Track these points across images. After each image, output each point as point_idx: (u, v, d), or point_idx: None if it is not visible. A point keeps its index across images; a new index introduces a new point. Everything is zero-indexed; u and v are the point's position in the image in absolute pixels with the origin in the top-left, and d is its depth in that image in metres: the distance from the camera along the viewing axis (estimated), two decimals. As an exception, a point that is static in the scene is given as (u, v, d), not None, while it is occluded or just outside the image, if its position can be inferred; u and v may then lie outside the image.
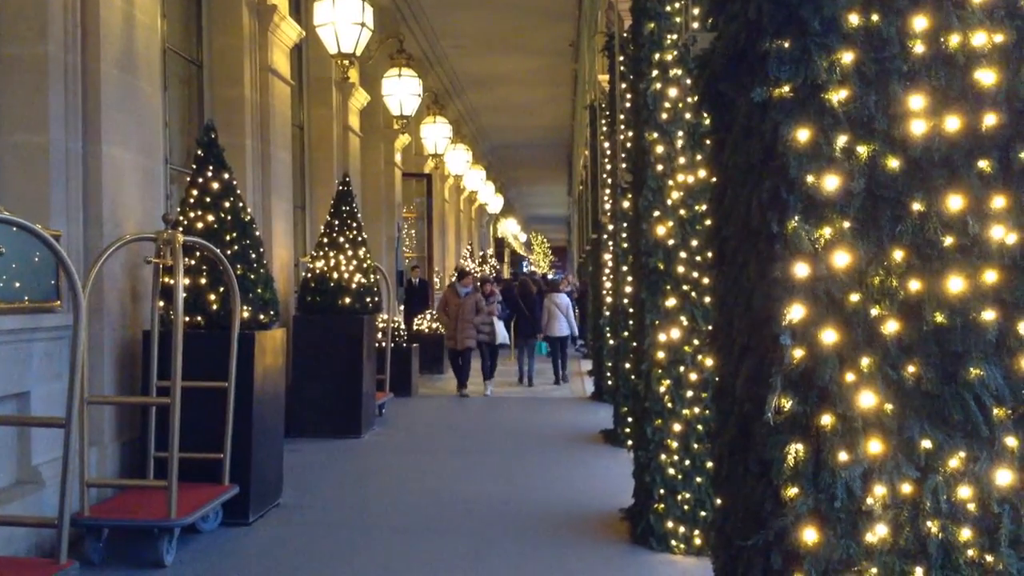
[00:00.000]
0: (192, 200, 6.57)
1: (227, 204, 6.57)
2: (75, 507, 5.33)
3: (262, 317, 6.67)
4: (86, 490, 5.53)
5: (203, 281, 6.40)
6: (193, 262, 6.37)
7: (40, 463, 5.60)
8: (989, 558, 2.33)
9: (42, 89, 5.89)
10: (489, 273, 25.18)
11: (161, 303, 6.26)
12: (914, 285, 2.34)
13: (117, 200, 6.45)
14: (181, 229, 6.23)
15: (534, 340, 15.14)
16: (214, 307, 6.39)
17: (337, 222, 10.35)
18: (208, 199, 6.55)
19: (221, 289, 6.36)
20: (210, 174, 6.60)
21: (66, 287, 5.51)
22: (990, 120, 2.36)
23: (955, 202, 2.34)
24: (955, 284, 2.33)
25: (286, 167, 10.21)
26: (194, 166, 6.76)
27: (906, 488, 2.33)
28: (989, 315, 2.33)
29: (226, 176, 6.66)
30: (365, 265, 10.29)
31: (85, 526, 5.46)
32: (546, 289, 16.41)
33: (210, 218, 6.50)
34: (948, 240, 2.34)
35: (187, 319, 6.09)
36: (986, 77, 2.36)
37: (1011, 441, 2.33)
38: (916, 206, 2.35)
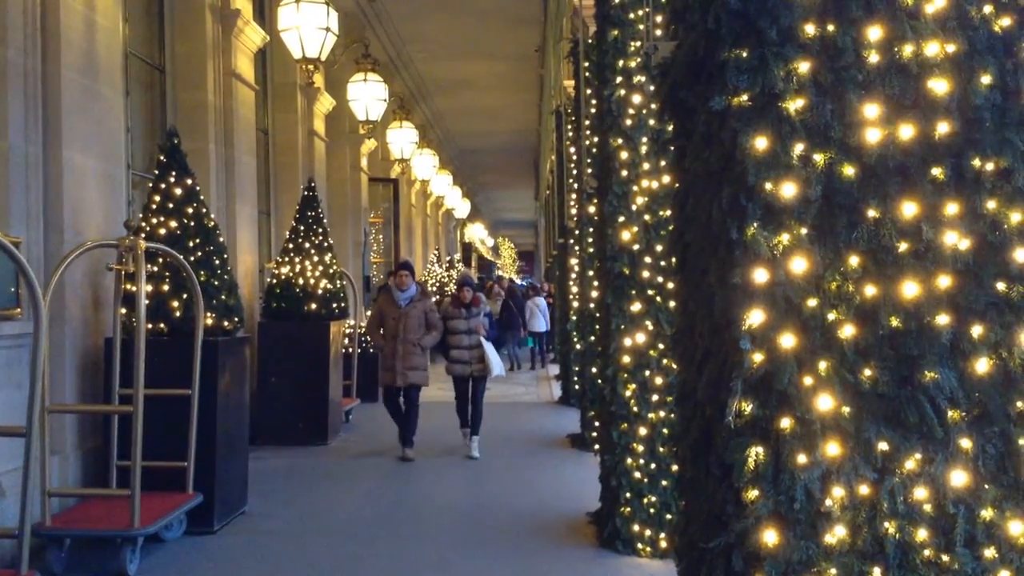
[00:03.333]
0: (154, 206, 6.52)
1: (190, 210, 6.52)
2: (36, 517, 5.26)
3: (226, 324, 6.62)
4: (47, 500, 5.46)
5: (166, 288, 6.34)
6: (156, 269, 6.32)
7: (0, 472, 5.52)
8: (945, 558, 2.37)
9: (1, 94, 5.82)
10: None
11: (123, 310, 6.20)
12: (870, 290, 2.39)
13: (78, 206, 6.38)
14: (143, 235, 6.17)
15: (518, 334, 18.41)
16: (177, 314, 6.33)
17: (303, 227, 10.29)
18: (171, 205, 6.50)
19: (184, 296, 6.31)
20: (173, 180, 6.55)
21: (26, 294, 5.44)
22: (943, 128, 2.41)
23: (909, 209, 2.39)
24: (910, 289, 2.38)
25: (250, 172, 10.14)
26: (156, 171, 6.70)
27: (864, 489, 2.36)
28: (943, 319, 2.38)
29: (189, 182, 6.61)
30: (331, 271, 10.24)
31: (47, 536, 5.39)
32: (531, 294, 20.41)
33: (173, 224, 6.45)
34: (903, 246, 2.39)
35: (150, 326, 6.03)
36: (939, 86, 2.41)
37: (965, 443, 2.38)
38: (871, 213, 2.39)
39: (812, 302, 2.39)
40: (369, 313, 10.49)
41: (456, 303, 9.35)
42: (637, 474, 5.75)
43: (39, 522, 5.34)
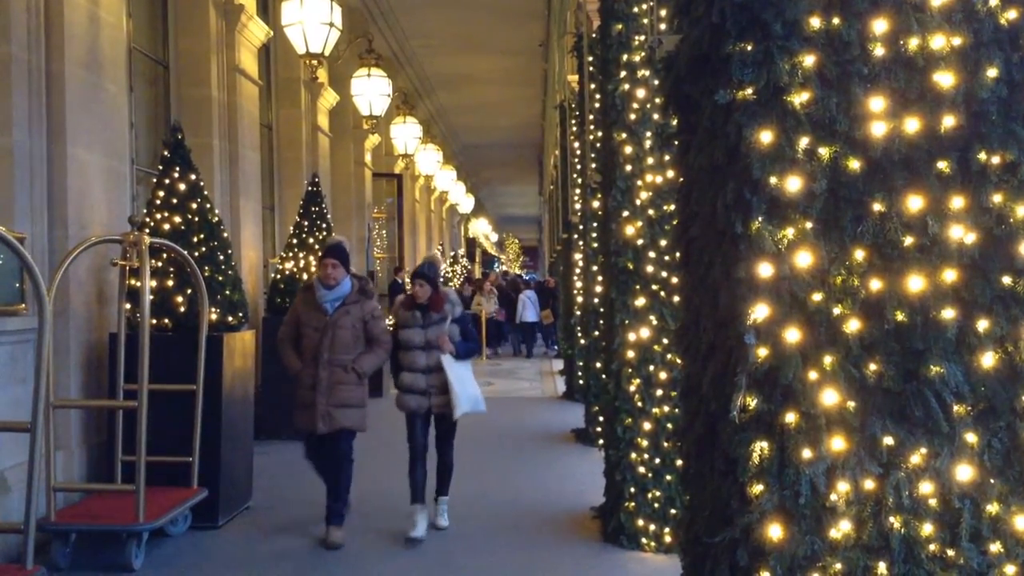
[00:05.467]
0: (159, 201, 6.52)
1: (194, 205, 6.53)
2: (42, 512, 5.27)
3: (230, 319, 6.63)
4: (53, 495, 5.48)
5: (170, 283, 6.35)
6: (160, 264, 6.33)
7: (5, 468, 5.53)
8: (951, 552, 2.36)
9: (5, 90, 5.82)
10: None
11: (128, 305, 6.21)
12: (875, 284, 2.38)
13: (82, 202, 6.39)
14: (148, 231, 6.18)
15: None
16: (181, 309, 6.34)
17: (307, 223, 10.30)
18: (175, 200, 6.50)
19: (189, 291, 6.32)
20: (177, 175, 6.56)
21: (31, 290, 5.45)
22: (949, 122, 2.40)
23: (915, 202, 2.38)
24: (915, 283, 2.37)
25: (254, 167, 10.15)
26: (160, 167, 6.70)
27: (869, 484, 2.36)
28: (949, 313, 2.37)
29: (193, 177, 6.61)
30: (335, 266, 10.23)
31: (52, 531, 5.40)
32: (521, 287, 22.51)
33: (177, 219, 6.45)
34: (908, 240, 2.38)
35: (154, 321, 6.04)
36: (945, 79, 2.39)
37: (971, 437, 2.37)
38: (877, 206, 2.38)
39: (817, 296, 2.38)
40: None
41: (408, 304, 6.31)
42: (641, 469, 5.74)
43: (44, 517, 5.35)
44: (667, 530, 5.67)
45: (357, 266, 14.14)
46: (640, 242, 5.78)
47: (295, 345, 6.12)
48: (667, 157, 5.68)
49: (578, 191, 10.71)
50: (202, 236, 6.48)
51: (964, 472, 2.36)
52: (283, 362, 6.21)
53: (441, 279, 6.65)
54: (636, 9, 5.90)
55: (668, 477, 5.69)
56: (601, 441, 7.32)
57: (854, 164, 2.39)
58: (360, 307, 6.08)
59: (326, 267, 6.05)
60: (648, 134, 5.81)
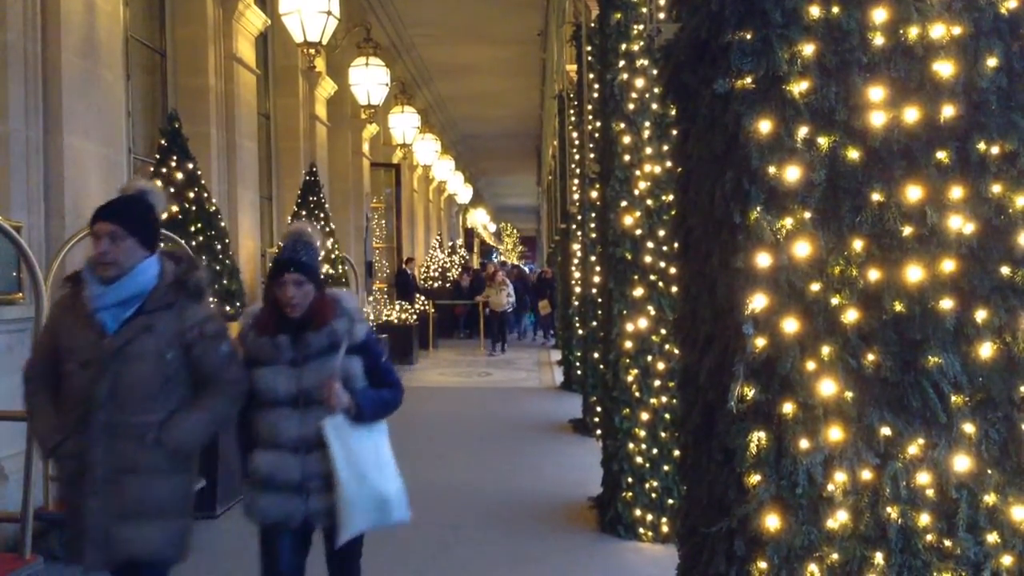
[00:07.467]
0: (156, 190, 6.50)
1: (191, 194, 6.53)
2: (39, 501, 5.27)
3: (227, 308, 6.63)
4: (50, 484, 5.47)
5: (168, 272, 6.33)
6: (157, 253, 6.30)
7: (3, 457, 5.53)
8: (947, 542, 2.37)
9: (1, 78, 5.80)
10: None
11: (125, 295, 6.16)
12: (874, 274, 2.37)
13: (79, 190, 6.37)
14: (145, 220, 6.15)
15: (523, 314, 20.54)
16: (179, 299, 6.32)
17: (304, 212, 10.31)
18: (172, 189, 6.50)
19: (186, 280, 6.30)
20: (174, 164, 6.55)
21: (28, 279, 5.43)
22: (948, 111, 2.39)
23: (914, 192, 2.37)
24: (914, 273, 2.36)
25: (252, 157, 10.12)
26: (158, 156, 6.70)
27: (866, 474, 2.36)
28: (947, 304, 2.37)
29: (190, 166, 6.61)
30: (333, 256, 10.24)
31: (49, 520, 5.40)
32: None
33: (174, 209, 6.45)
34: (907, 230, 2.37)
35: (152, 311, 6.01)
36: (944, 69, 2.39)
37: (968, 428, 2.37)
38: (876, 196, 2.38)
39: (815, 286, 2.37)
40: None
41: (266, 322, 3.53)
42: (639, 459, 5.75)
43: (41, 506, 5.35)
44: (664, 520, 5.68)
45: (355, 256, 14.08)
46: (638, 232, 5.78)
47: (52, 390, 3.24)
48: (666, 147, 5.67)
49: (576, 181, 10.70)
50: (199, 225, 6.48)
51: (961, 462, 2.36)
52: (29, 425, 3.83)
53: (321, 271, 3.61)
54: (635, -2, 5.88)
55: (666, 467, 5.69)
56: (599, 431, 7.33)
57: (853, 154, 2.38)
58: (176, 317, 3.22)
59: (99, 238, 3.16)
60: (647, 124, 5.80)
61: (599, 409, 7.81)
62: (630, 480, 5.76)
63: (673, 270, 5.59)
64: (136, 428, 3.14)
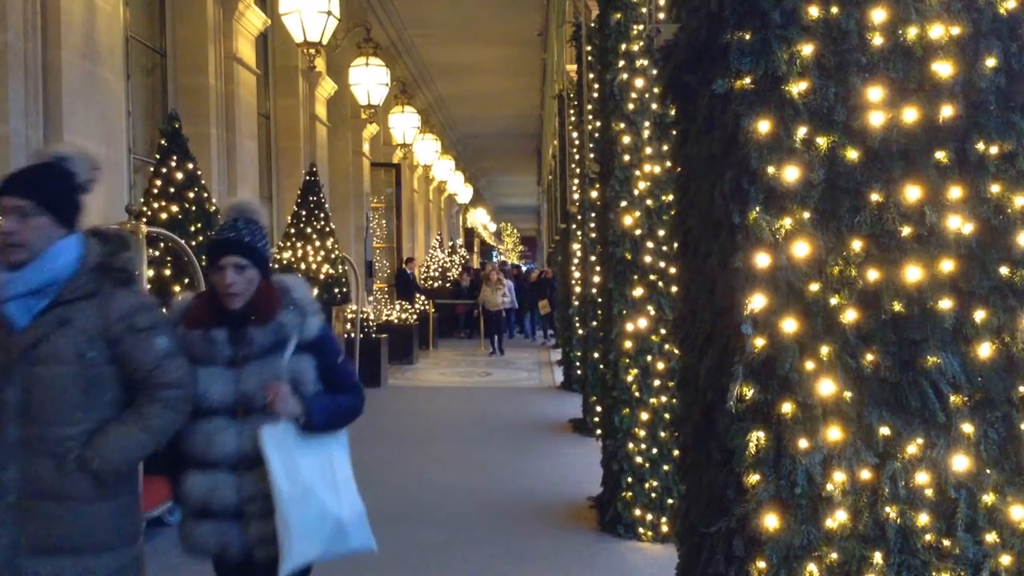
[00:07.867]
0: (156, 190, 6.52)
1: (191, 194, 6.52)
2: (39, 501, 5.25)
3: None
4: None
5: (167, 272, 6.35)
6: (157, 253, 6.32)
7: (3, 457, 5.53)
8: (946, 542, 2.37)
9: (2, 79, 5.81)
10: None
11: (125, 295, 6.16)
12: (873, 275, 2.37)
13: (79, 191, 6.37)
14: (145, 220, 6.16)
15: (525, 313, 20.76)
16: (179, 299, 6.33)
17: (304, 212, 10.31)
18: (172, 189, 6.50)
19: (186, 280, 6.31)
20: (174, 164, 6.55)
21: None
22: (947, 112, 2.39)
23: (913, 193, 2.37)
24: (913, 273, 2.37)
25: (252, 157, 10.13)
26: (158, 156, 6.70)
27: (865, 474, 2.36)
28: (946, 304, 2.37)
29: (190, 166, 6.61)
30: (333, 256, 10.25)
31: None
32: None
33: (174, 209, 6.45)
34: (906, 230, 2.37)
35: (152, 311, 6.00)
36: (943, 69, 2.39)
37: (967, 427, 2.37)
38: (875, 197, 2.38)
39: (814, 286, 2.38)
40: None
41: (199, 314, 3.01)
42: (638, 459, 5.75)
43: None
44: (664, 519, 5.68)
45: (355, 256, 14.09)
46: (638, 232, 5.78)
47: None
48: (665, 147, 5.68)
49: (576, 181, 10.70)
50: (199, 225, 6.48)
51: (960, 462, 2.36)
52: None
53: (268, 253, 3.12)
54: (635, -2, 5.88)
55: (665, 467, 5.70)
56: (599, 431, 7.33)
57: (852, 154, 2.39)
58: (100, 308, 2.72)
59: (4, 216, 2.70)
60: (646, 124, 5.81)
61: (599, 409, 7.81)
62: (630, 480, 5.77)
63: (673, 270, 5.59)
64: (54, 444, 2.62)
